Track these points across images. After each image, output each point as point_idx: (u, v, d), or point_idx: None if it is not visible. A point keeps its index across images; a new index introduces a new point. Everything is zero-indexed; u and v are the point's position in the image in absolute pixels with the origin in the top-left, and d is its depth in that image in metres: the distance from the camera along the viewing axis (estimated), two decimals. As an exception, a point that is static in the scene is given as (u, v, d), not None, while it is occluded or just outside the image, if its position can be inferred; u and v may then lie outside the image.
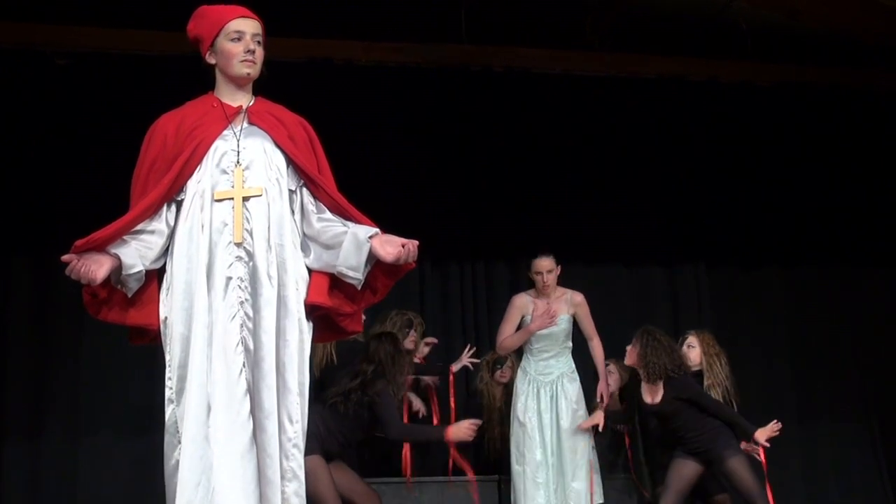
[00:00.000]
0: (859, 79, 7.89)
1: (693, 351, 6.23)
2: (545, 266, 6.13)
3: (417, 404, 6.39)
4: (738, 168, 7.73)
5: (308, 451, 5.04)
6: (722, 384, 6.21)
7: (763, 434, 5.79)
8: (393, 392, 5.61)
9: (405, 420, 6.10)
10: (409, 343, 6.28)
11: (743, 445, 5.89)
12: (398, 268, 3.43)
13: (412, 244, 3.36)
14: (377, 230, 3.40)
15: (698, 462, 5.92)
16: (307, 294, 3.40)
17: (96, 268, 3.19)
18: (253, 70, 3.47)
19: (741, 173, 7.73)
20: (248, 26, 3.48)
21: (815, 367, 7.76)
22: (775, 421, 5.82)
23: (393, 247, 3.35)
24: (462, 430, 5.43)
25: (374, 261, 3.40)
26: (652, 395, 5.93)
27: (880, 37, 7.36)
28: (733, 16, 7.18)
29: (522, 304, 6.14)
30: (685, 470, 5.90)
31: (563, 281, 6.76)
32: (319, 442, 5.33)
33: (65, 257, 3.17)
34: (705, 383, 6.19)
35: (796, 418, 7.61)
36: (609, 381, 6.42)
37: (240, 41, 3.45)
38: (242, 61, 3.45)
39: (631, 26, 7.39)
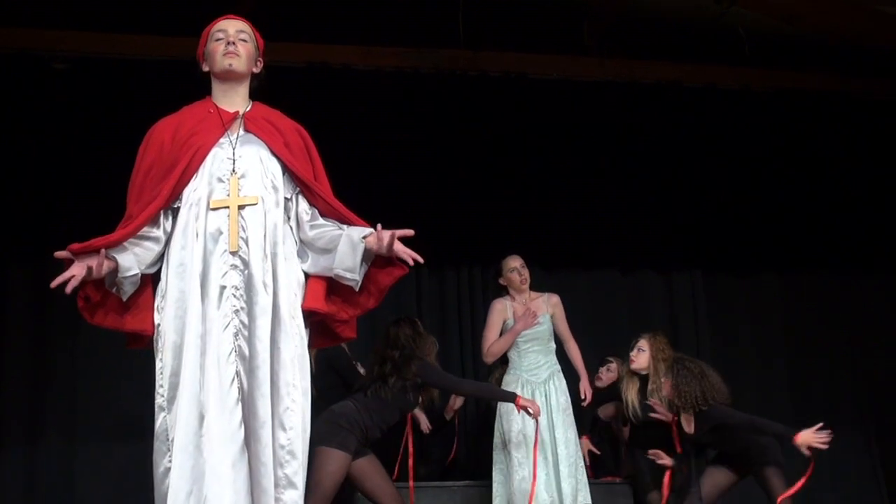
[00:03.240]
0: (857, 85, 7.89)
1: (642, 355, 6.13)
2: (519, 261, 6.15)
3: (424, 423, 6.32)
4: (735, 174, 7.72)
5: (340, 446, 5.20)
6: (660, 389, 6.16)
7: (805, 439, 5.42)
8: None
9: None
10: None
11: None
12: (394, 269, 3.43)
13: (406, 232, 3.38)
14: (372, 230, 3.40)
15: (733, 472, 5.89)
16: (303, 300, 3.41)
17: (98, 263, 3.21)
18: (235, 62, 3.49)
19: (738, 179, 7.72)
20: (230, 25, 3.54)
21: (811, 373, 7.76)
22: (819, 427, 5.41)
23: (385, 236, 3.35)
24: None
25: (370, 260, 3.41)
26: (688, 424, 5.90)
27: (878, 43, 7.37)
28: (731, 21, 7.17)
29: (503, 307, 6.11)
30: (720, 478, 5.88)
31: (562, 286, 6.77)
32: (363, 432, 5.36)
33: (58, 253, 3.17)
34: (649, 387, 6.14)
35: (793, 423, 7.55)
36: (604, 377, 6.46)
37: (222, 39, 3.50)
38: (224, 55, 3.48)
39: (628, 32, 7.39)
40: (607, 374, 6.51)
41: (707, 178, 7.68)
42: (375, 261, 3.42)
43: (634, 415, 6.13)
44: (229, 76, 3.51)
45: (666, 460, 5.80)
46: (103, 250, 3.21)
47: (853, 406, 7.75)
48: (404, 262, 3.42)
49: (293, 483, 3.24)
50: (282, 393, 3.26)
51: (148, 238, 3.35)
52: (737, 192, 7.70)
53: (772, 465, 5.77)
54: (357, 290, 3.44)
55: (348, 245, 3.38)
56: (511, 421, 5.86)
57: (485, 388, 6.11)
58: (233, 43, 3.49)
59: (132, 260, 3.29)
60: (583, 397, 6.08)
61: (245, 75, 3.55)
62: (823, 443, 5.41)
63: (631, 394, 6.15)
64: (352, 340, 3.84)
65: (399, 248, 3.38)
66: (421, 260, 3.40)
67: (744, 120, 7.75)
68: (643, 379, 6.15)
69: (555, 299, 6.19)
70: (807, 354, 7.79)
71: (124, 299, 3.33)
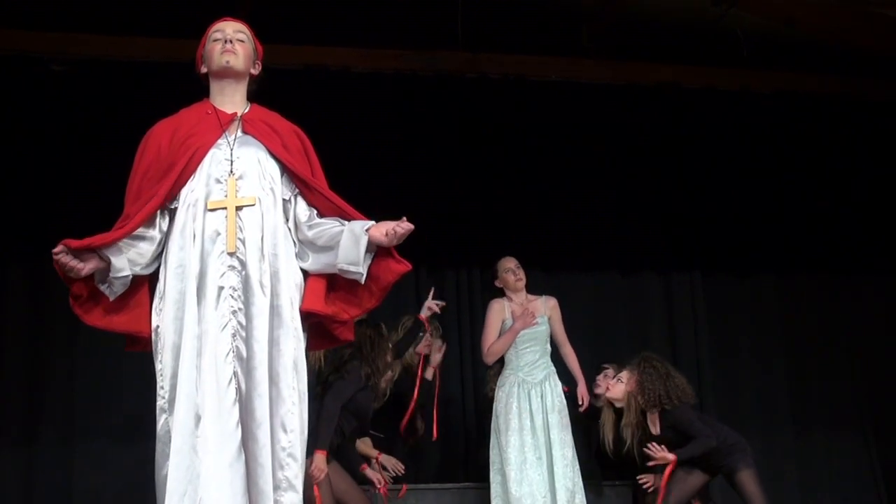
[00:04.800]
0: (856, 87, 7.88)
1: (619, 386, 6.07)
2: (514, 262, 6.15)
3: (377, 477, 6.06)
4: (734, 176, 7.73)
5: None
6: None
7: None
8: (365, 375, 5.60)
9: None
10: (423, 347, 6.25)
11: None
12: (396, 265, 3.42)
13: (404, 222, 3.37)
14: (373, 222, 3.40)
15: (705, 472, 5.91)
16: (303, 301, 3.40)
17: (83, 264, 3.23)
18: (233, 59, 3.49)
19: (737, 181, 7.72)
20: (227, 26, 3.56)
21: (809, 375, 7.76)
22: None
23: (386, 225, 3.35)
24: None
25: (373, 251, 3.40)
26: (653, 424, 5.91)
27: (877, 44, 7.37)
28: (730, 23, 7.17)
29: (500, 308, 6.10)
30: (690, 478, 5.90)
31: (561, 287, 6.76)
32: (312, 437, 5.30)
33: (56, 250, 3.18)
34: (623, 422, 6.09)
35: (791, 426, 7.61)
36: (607, 384, 6.42)
37: (220, 39, 3.52)
38: (222, 53, 3.49)
39: (627, 34, 7.37)
40: (605, 381, 6.36)
41: (706, 179, 7.69)
42: (377, 257, 3.42)
43: (609, 449, 6.11)
44: (226, 73, 3.51)
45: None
46: (95, 261, 3.21)
47: (852, 406, 7.75)
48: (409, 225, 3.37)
49: (293, 486, 3.24)
50: (283, 395, 3.26)
51: (143, 238, 3.35)
52: (736, 193, 7.70)
53: (744, 469, 5.77)
54: (362, 282, 3.42)
55: (351, 239, 3.38)
56: (507, 422, 5.84)
57: (328, 420, 5.50)
58: (230, 41, 3.50)
59: (124, 261, 3.29)
60: (580, 402, 6.07)
61: (243, 74, 3.55)
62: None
63: (606, 427, 6.16)
64: (350, 342, 3.83)
65: (395, 231, 3.36)
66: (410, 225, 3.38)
67: (743, 121, 7.76)
68: (619, 412, 6.10)
69: (552, 302, 6.18)
70: (806, 355, 7.79)
71: (111, 298, 3.33)
